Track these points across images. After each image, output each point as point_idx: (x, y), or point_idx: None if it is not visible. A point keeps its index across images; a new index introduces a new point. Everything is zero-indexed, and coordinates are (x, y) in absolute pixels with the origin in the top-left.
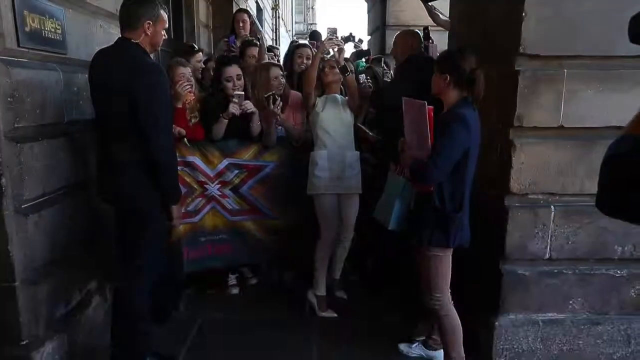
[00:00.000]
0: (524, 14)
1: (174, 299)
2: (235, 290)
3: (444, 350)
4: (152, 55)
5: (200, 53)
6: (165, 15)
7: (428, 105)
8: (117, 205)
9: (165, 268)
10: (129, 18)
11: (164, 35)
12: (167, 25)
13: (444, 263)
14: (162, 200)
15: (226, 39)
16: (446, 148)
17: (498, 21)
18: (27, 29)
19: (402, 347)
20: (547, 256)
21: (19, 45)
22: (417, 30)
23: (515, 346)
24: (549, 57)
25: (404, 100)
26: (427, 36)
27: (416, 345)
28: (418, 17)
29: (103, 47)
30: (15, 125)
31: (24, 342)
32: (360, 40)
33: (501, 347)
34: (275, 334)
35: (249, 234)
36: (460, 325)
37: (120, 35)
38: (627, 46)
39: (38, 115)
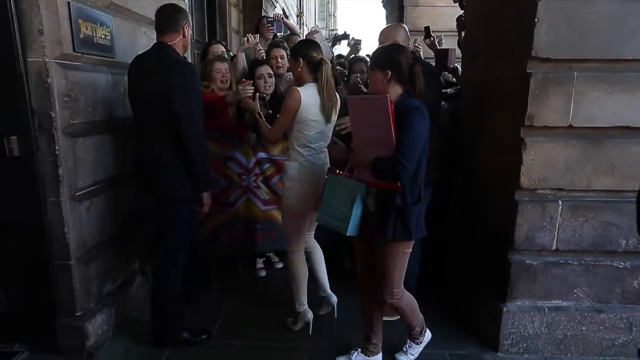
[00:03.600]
0: (536, 20)
1: (201, 281)
2: (262, 273)
3: (406, 325)
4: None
5: (219, 45)
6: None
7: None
8: (154, 194)
9: (195, 251)
10: (170, 23)
11: None
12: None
13: (405, 259)
14: (195, 188)
15: (270, 25)
16: (413, 141)
17: (511, 26)
18: (82, 35)
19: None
20: (554, 247)
21: (74, 50)
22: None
23: (521, 330)
24: (559, 60)
25: (349, 100)
26: (427, 34)
27: (355, 355)
28: (433, 22)
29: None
30: (71, 122)
31: (78, 314)
32: (359, 41)
33: (508, 331)
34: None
35: (277, 222)
36: (415, 301)
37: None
38: (634, 50)
39: (90, 112)
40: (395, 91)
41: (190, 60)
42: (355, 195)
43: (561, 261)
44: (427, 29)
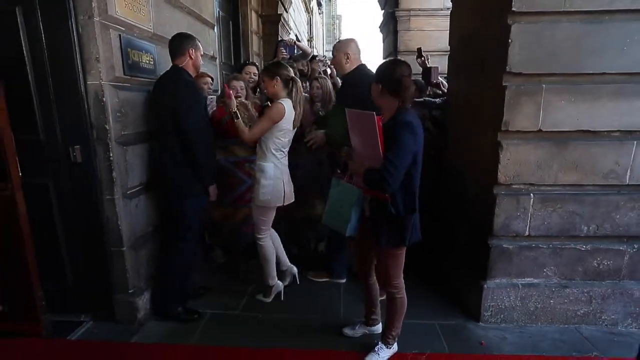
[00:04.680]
0: (510, 40)
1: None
2: None
3: (389, 322)
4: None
5: (252, 66)
6: (201, 46)
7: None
8: (163, 191)
9: (201, 241)
10: (177, 49)
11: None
12: (202, 52)
13: (401, 257)
14: (202, 183)
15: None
16: (398, 157)
17: (489, 45)
18: (130, 61)
19: (347, 330)
20: (527, 233)
21: (124, 74)
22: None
23: (499, 304)
24: (530, 74)
25: (348, 112)
26: (419, 55)
27: (359, 326)
28: (423, 44)
29: None
30: (122, 133)
31: (131, 291)
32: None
33: (488, 304)
34: (313, 289)
35: (292, 216)
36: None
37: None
38: (593, 65)
39: (136, 125)
40: (390, 103)
41: (219, 81)
42: (353, 198)
43: (533, 245)
44: (419, 50)
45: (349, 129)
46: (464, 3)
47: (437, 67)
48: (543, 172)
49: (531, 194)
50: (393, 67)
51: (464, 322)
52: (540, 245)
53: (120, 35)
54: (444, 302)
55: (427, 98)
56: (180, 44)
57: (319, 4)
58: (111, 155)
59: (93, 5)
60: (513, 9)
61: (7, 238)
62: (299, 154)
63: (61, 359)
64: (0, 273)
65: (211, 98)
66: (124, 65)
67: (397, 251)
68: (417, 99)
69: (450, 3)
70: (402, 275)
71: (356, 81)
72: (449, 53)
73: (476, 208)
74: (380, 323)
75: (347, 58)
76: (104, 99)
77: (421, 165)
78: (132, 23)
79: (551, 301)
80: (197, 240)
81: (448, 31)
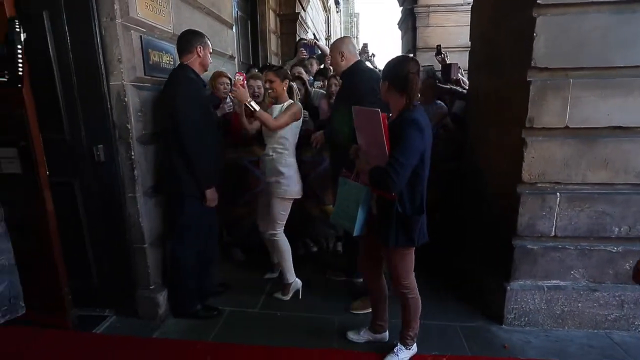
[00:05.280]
0: (534, 34)
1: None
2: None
3: (405, 323)
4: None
5: (300, 67)
6: (210, 44)
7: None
8: (168, 191)
9: (215, 240)
10: (184, 46)
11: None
12: (211, 50)
13: (409, 257)
14: (198, 186)
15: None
16: (404, 155)
17: (512, 40)
18: (151, 62)
19: (351, 335)
20: (553, 234)
21: (145, 74)
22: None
23: (523, 306)
24: (556, 69)
25: (354, 109)
26: (438, 52)
27: (363, 332)
28: (442, 41)
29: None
30: (143, 132)
31: (152, 287)
32: (373, 55)
33: (511, 307)
34: (331, 288)
35: (310, 213)
36: (421, 302)
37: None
38: (625, 58)
39: (156, 124)
40: (397, 101)
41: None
42: (360, 197)
43: (559, 246)
44: (438, 47)
45: (355, 126)
46: None
47: (457, 64)
48: (570, 170)
49: (557, 193)
50: (400, 63)
51: (486, 324)
52: (567, 247)
53: (141, 36)
54: (464, 303)
55: (453, 87)
56: (188, 41)
57: (337, 2)
58: (133, 154)
59: (115, 8)
60: (538, 1)
61: (36, 235)
62: (321, 150)
63: (86, 352)
64: (30, 269)
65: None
66: (145, 65)
67: (404, 251)
68: (442, 85)
69: None
70: (413, 274)
71: (352, 78)
72: (469, 49)
73: (498, 207)
74: (387, 331)
75: (342, 56)
76: (126, 99)
77: (429, 163)
78: (153, 24)
79: (579, 305)
80: (202, 240)
81: (468, 27)
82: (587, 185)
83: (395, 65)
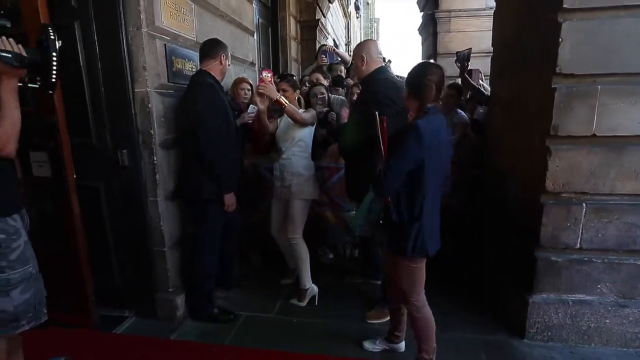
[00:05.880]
0: (560, 39)
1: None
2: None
3: (418, 344)
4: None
5: (318, 74)
6: (230, 55)
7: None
8: (188, 195)
9: (224, 244)
10: (208, 52)
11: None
12: (230, 63)
13: (416, 271)
14: (217, 190)
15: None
16: (395, 159)
17: (536, 45)
18: (174, 69)
19: (367, 344)
20: (578, 246)
21: (168, 81)
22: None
23: (546, 320)
24: (582, 75)
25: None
26: (458, 58)
27: (379, 341)
28: (463, 45)
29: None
30: (165, 137)
31: (171, 290)
32: (389, 61)
33: (534, 320)
34: (348, 295)
35: (328, 221)
36: (433, 322)
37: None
38: None
39: (176, 130)
40: (413, 106)
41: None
42: (367, 199)
43: (585, 259)
44: (457, 54)
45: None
46: (508, 1)
47: (478, 70)
48: (597, 180)
49: (583, 204)
50: (417, 69)
51: (506, 338)
52: (593, 259)
53: (165, 44)
54: (484, 314)
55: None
56: (213, 47)
57: (357, 8)
58: (155, 158)
59: (142, 17)
60: (564, 5)
61: (63, 236)
62: (338, 157)
63: (108, 351)
64: (57, 269)
65: (254, 107)
66: (169, 72)
67: (403, 261)
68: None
69: (493, 2)
70: (423, 292)
71: (368, 86)
72: (491, 54)
73: (520, 216)
74: (403, 342)
75: (363, 61)
76: (150, 105)
77: (436, 172)
78: (177, 32)
79: (607, 321)
80: (221, 243)
81: (490, 31)
82: (616, 196)
83: (413, 71)
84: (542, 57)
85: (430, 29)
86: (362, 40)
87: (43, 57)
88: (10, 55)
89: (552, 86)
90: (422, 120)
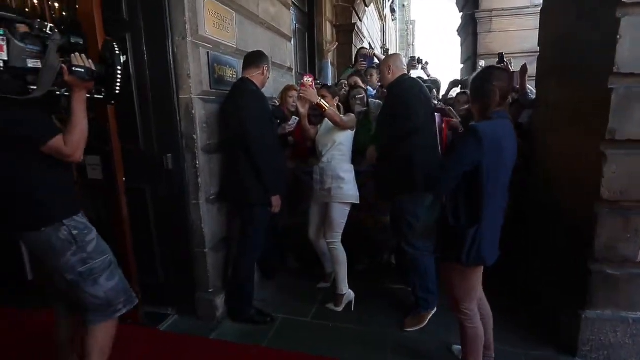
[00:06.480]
0: (618, 36)
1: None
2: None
3: (464, 356)
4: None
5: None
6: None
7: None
8: (235, 199)
9: (269, 243)
10: (252, 61)
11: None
12: (270, 74)
13: (465, 277)
14: (265, 193)
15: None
16: (450, 160)
17: (589, 44)
18: (216, 76)
19: (456, 349)
20: (639, 259)
21: (210, 88)
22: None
23: (601, 338)
24: None
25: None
26: (501, 60)
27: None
28: (506, 45)
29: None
30: (207, 142)
31: (211, 290)
32: (427, 63)
33: (587, 337)
34: (386, 301)
35: (367, 226)
36: (483, 336)
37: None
38: None
39: (218, 134)
40: (476, 111)
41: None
42: (427, 202)
43: None
44: (500, 55)
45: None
46: None
47: (518, 72)
48: None
49: None
50: (483, 74)
51: (555, 354)
52: None
53: (208, 52)
54: (531, 326)
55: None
56: (259, 58)
57: (393, 10)
58: (197, 162)
59: (187, 27)
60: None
61: (112, 236)
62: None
63: (153, 346)
64: None
65: (295, 119)
66: (211, 79)
67: (458, 267)
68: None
69: (539, 0)
70: (475, 302)
71: (393, 90)
72: (538, 54)
73: (570, 225)
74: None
75: (389, 69)
76: (193, 111)
77: (496, 178)
78: (219, 40)
79: None
80: (264, 246)
81: (535, 30)
82: None
83: (478, 76)
84: (597, 56)
85: (470, 30)
86: (397, 42)
87: (108, 70)
88: (83, 70)
89: (609, 86)
90: (483, 124)
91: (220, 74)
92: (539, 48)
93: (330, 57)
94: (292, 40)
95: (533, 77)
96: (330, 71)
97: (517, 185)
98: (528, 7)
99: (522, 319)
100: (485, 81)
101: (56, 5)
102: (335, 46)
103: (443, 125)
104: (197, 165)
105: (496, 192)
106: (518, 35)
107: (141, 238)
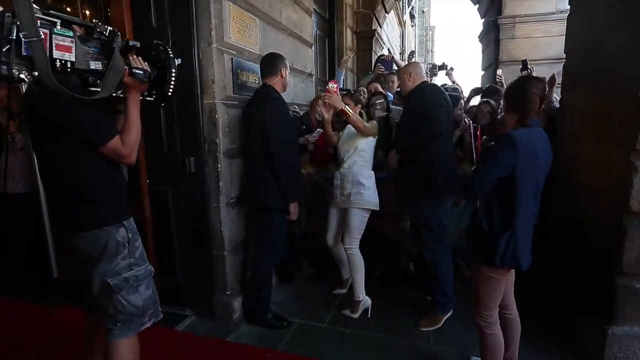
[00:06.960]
0: None
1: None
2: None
3: None
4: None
5: (376, 84)
6: (288, 64)
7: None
8: (255, 203)
9: (285, 249)
10: (269, 68)
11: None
12: (289, 71)
13: (492, 283)
14: (283, 199)
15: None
16: (484, 165)
17: (621, 51)
18: (239, 81)
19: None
20: None
21: (233, 93)
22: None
23: (630, 356)
24: None
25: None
26: (524, 67)
27: None
28: (530, 53)
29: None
30: (229, 147)
31: (228, 293)
32: (452, 68)
33: (614, 354)
34: (403, 309)
35: (386, 233)
36: (503, 345)
37: (263, 82)
38: None
39: (240, 139)
40: (510, 119)
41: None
42: (461, 208)
43: None
44: (524, 62)
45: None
46: (587, 3)
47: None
48: None
49: None
50: (518, 82)
51: None
52: None
53: (232, 58)
54: (553, 341)
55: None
56: (273, 63)
57: (412, 17)
58: (219, 166)
59: (212, 34)
60: None
61: None
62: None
63: (171, 346)
64: None
65: (319, 131)
66: (234, 85)
67: (489, 272)
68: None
69: (565, 6)
70: (497, 310)
71: (413, 97)
72: (563, 61)
73: (596, 237)
74: None
75: (409, 76)
76: (216, 116)
77: (529, 184)
78: (242, 47)
79: None
80: (283, 251)
81: (559, 37)
82: None
83: (513, 84)
84: (628, 63)
85: (492, 36)
86: (416, 48)
87: (160, 72)
88: (142, 72)
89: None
90: (520, 131)
91: (243, 80)
92: (565, 55)
93: (346, 66)
94: (313, 46)
95: (558, 84)
96: (342, 80)
97: (543, 195)
98: (553, 13)
99: (543, 332)
100: (524, 90)
101: (87, 12)
102: (351, 57)
103: (478, 132)
104: (219, 169)
105: (529, 199)
106: (542, 42)
107: (162, 239)
